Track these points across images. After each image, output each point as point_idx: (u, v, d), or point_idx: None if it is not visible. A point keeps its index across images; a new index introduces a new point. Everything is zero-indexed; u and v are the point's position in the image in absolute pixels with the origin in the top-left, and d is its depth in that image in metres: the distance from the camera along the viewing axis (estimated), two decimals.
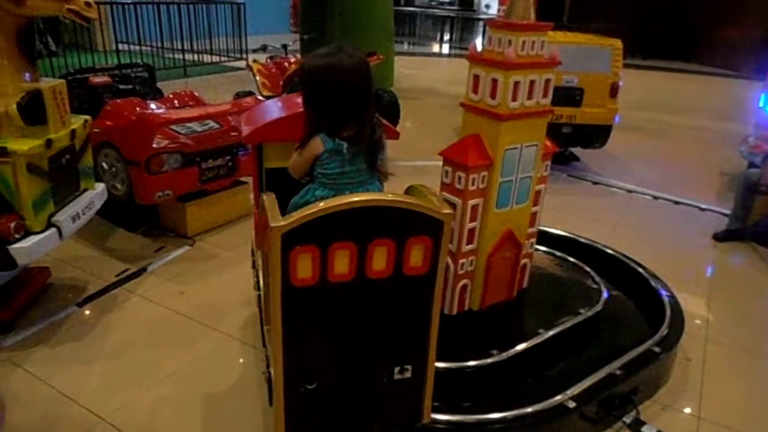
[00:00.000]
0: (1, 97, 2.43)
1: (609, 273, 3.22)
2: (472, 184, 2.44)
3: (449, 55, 15.88)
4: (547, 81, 2.44)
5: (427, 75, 11.43)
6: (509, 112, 2.36)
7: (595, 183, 5.56)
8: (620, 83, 5.30)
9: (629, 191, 5.34)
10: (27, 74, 2.53)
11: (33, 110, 2.47)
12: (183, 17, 10.40)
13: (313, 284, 1.56)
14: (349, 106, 1.79)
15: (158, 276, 3.42)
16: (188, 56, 10.55)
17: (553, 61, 2.44)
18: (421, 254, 1.59)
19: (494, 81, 2.34)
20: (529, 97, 2.40)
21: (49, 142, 2.54)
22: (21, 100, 2.42)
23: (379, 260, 1.57)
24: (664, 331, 2.69)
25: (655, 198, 5.18)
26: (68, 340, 2.79)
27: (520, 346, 2.43)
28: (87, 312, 3.04)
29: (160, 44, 10.55)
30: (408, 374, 1.76)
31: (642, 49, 14.17)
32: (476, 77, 2.43)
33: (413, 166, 5.27)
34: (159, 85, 4.99)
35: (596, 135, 5.49)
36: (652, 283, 3.10)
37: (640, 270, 3.23)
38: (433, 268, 1.62)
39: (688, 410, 2.52)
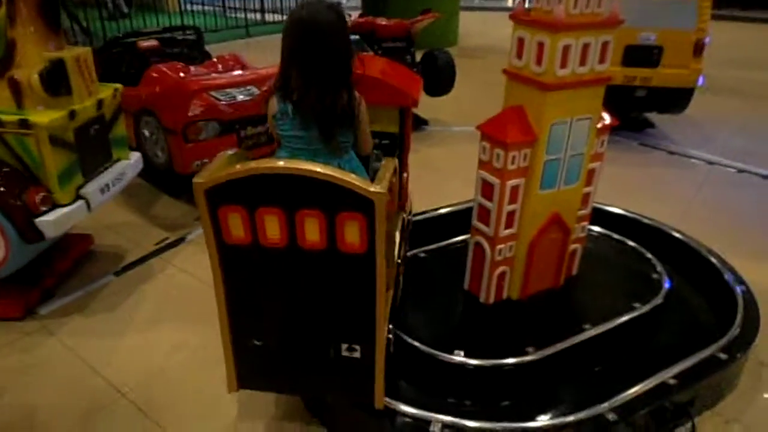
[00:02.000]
0: (24, 67, 2.39)
1: (676, 260, 2.86)
2: (512, 163, 2.17)
3: None
4: (605, 44, 2.10)
5: (496, 33, 10.75)
6: (557, 80, 2.05)
7: (671, 153, 5.02)
8: (707, 39, 4.69)
9: (710, 163, 4.79)
10: (51, 44, 2.46)
11: (55, 80, 2.40)
12: None
13: (247, 244, 1.63)
14: (292, 64, 1.68)
15: (195, 245, 3.39)
16: (251, 16, 10.49)
17: (613, 20, 2.09)
18: (357, 232, 1.57)
19: (540, 45, 2.03)
20: (582, 62, 2.07)
21: (72, 114, 2.48)
22: (43, 70, 2.37)
23: (312, 231, 1.58)
24: (734, 331, 2.35)
25: (740, 171, 4.61)
26: (102, 310, 2.82)
27: (560, 345, 2.19)
28: (123, 281, 3.05)
29: (223, 4, 10.55)
30: (357, 354, 1.78)
31: None
32: (521, 40, 2.13)
33: (470, 132, 4.95)
34: (220, 46, 4.90)
35: (675, 99, 4.92)
36: (724, 273, 2.71)
37: (711, 258, 2.84)
38: (371, 248, 1.59)
39: (758, 426, 2.20)
